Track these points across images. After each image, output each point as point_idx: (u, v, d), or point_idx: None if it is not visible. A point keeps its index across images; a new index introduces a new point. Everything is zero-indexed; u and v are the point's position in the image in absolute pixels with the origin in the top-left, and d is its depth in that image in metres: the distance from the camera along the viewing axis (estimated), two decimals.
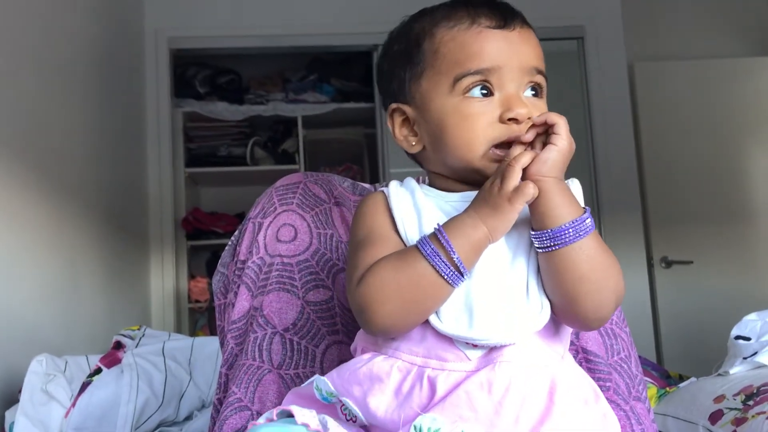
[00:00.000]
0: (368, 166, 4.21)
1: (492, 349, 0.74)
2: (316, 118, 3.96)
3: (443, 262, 0.73)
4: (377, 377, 0.76)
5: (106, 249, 2.81)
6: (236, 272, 1.16)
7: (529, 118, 0.79)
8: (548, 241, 0.73)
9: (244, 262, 1.15)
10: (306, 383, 0.82)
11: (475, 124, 0.80)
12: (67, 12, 2.54)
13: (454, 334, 0.74)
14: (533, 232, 0.75)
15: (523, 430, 0.70)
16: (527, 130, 0.76)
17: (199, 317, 3.88)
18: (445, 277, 0.73)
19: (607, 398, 0.95)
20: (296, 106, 3.96)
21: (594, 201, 3.72)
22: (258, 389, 1.03)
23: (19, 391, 1.66)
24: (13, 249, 2.01)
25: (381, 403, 0.74)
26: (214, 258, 3.97)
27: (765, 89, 3.96)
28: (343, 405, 0.77)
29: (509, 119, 0.79)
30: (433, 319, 0.75)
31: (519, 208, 0.72)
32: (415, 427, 0.69)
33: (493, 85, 0.80)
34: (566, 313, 0.77)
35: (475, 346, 0.74)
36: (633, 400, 1.02)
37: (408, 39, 0.86)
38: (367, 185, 1.24)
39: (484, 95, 0.80)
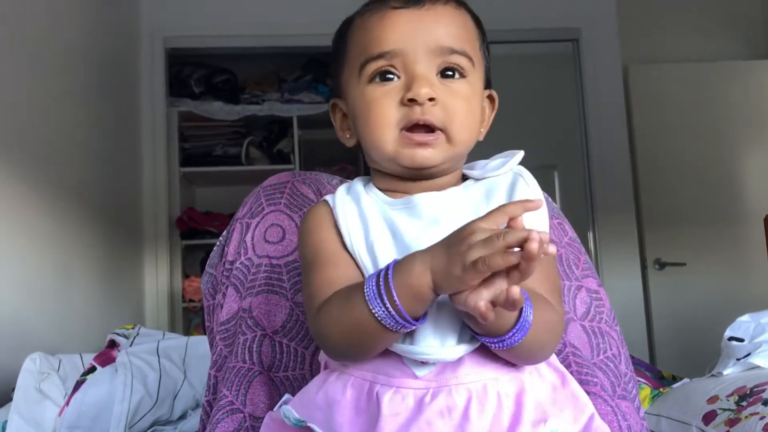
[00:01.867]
0: (363, 166, 4.21)
1: (443, 369, 0.71)
2: (312, 118, 3.95)
3: (385, 310, 0.66)
4: (333, 399, 0.74)
5: (101, 248, 2.80)
6: (224, 273, 1.15)
7: (431, 99, 0.75)
8: (492, 344, 0.69)
9: (232, 263, 1.14)
10: (276, 407, 0.81)
11: (379, 109, 0.77)
12: (63, 11, 2.53)
13: (398, 347, 0.72)
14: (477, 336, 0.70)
15: None
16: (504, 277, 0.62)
17: (194, 316, 3.87)
18: (389, 327, 0.67)
19: (594, 393, 0.94)
20: (291, 106, 3.96)
21: (588, 202, 3.73)
22: (249, 391, 1.02)
23: (13, 390, 1.66)
24: (7, 248, 2.00)
25: (344, 423, 0.72)
26: (208, 258, 3.95)
27: (759, 92, 3.97)
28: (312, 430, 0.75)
29: (409, 100, 0.75)
30: None
31: (472, 284, 0.63)
32: None
33: (398, 68, 0.77)
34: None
35: (423, 363, 0.72)
36: (618, 399, 1.01)
37: (339, 34, 0.86)
38: None
39: (389, 80, 0.77)
